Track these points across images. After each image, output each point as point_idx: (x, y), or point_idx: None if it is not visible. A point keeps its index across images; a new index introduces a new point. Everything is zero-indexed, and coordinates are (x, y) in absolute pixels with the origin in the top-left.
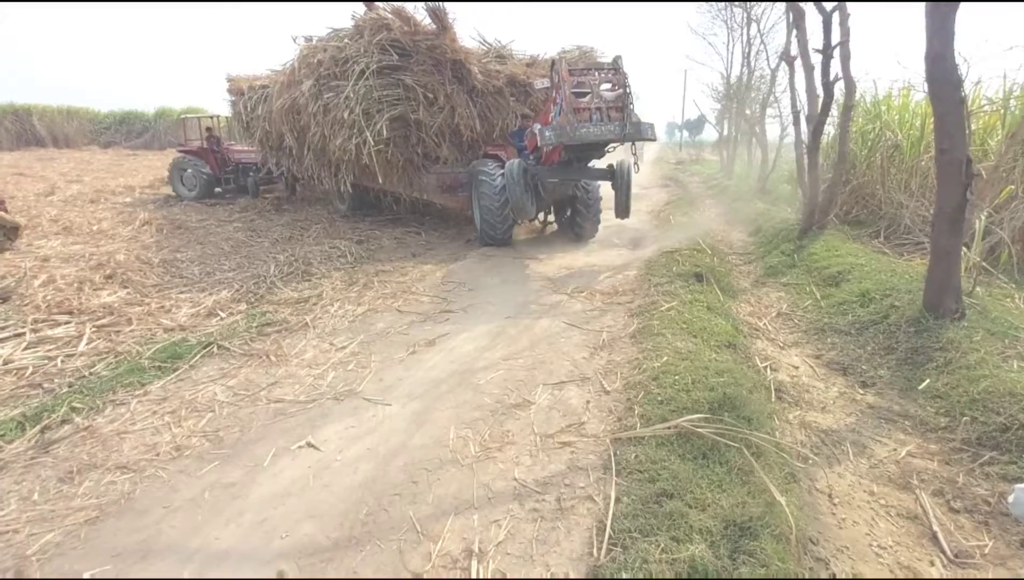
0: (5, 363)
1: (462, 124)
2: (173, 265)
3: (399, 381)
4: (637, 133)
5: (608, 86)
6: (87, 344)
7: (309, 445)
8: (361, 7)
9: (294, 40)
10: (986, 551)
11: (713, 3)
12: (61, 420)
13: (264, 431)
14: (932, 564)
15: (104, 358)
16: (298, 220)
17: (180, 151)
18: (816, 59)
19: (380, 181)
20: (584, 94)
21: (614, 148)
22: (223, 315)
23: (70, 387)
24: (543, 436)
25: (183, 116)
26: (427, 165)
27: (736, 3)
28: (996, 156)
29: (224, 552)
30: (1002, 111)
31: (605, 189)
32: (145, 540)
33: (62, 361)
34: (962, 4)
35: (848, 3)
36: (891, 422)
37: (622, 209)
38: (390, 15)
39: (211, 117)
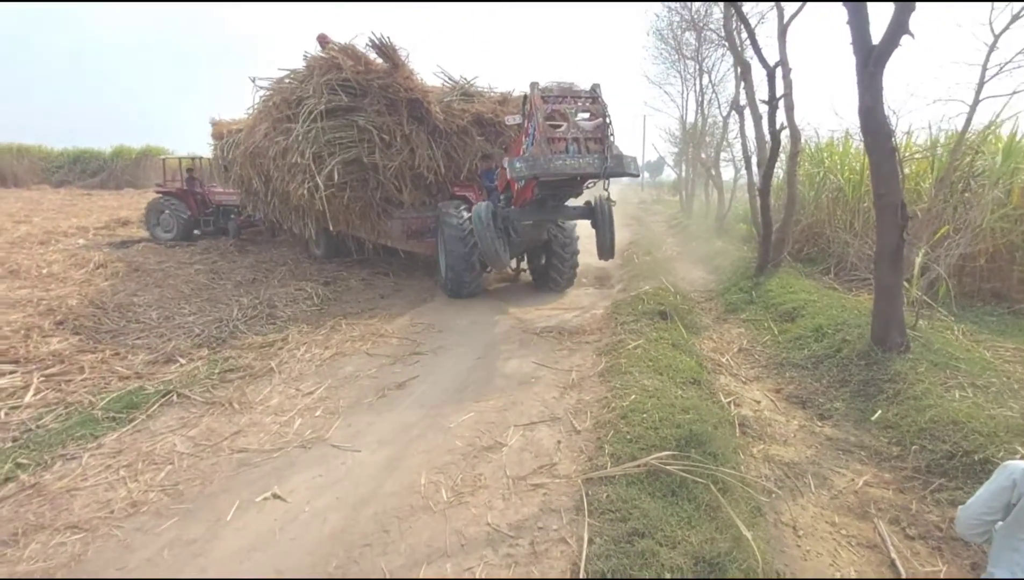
0: None
1: (423, 166)
2: (129, 309)
3: (369, 426)
4: (619, 167)
5: (586, 116)
6: (34, 395)
7: (275, 496)
8: (313, 47)
9: (253, 82)
10: (941, 576)
11: (666, 56)
12: (4, 478)
13: (227, 483)
14: None
15: (53, 409)
16: (263, 262)
17: (158, 191)
18: (763, 109)
19: (332, 228)
20: (559, 125)
21: (592, 184)
22: (183, 361)
23: (15, 442)
24: (515, 479)
25: (163, 157)
26: (390, 210)
27: (688, 57)
28: (929, 199)
29: None
30: (931, 157)
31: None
32: None
33: (6, 413)
34: (890, 60)
35: (789, 60)
36: (848, 453)
37: (606, 250)
38: (339, 55)
39: (192, 158)
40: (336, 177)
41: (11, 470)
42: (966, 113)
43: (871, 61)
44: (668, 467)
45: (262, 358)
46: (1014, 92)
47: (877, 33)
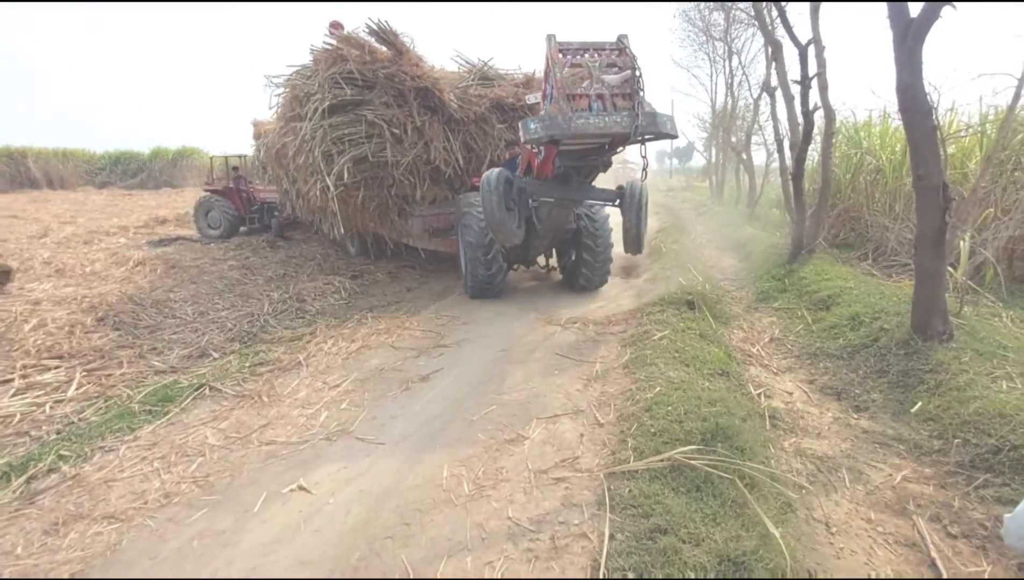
0: None
1: (439, 159)
2: (166, 305)
3: (392, 419)
4: (653, 126)
5: (612, 70)
6: (77, 389)
7: (300, 488)
8: (320, 41)
9: (269, 81)
10: (985, 576)
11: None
12: (48, 469)
13: (255, 475)
14: None
15: (94, 403)
16: (292, 257)
17: (207, 189)
18: (795, 89)
19: (344, 229)
20: (580, 80)
21: (621, 152)
22: (215, 355)
23: (58, 434)
24: (537, 472)
25: (212, 157)
26: (409, 208)
27: (717, 39)
28: (975, 179)
29: None
30: (979, 135)
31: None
32: None
33: (50, 407)
34: (930, 34)
35: (823, 37)
36: (886, 446)
37: (632, 241)
38: (344, 45)
39: (239, 157)
40: (346, 176)
41: (54, 462)
42: (1014, 87)
43: (909, 35)
44: (693, 462)
45: (291, 352)
46: None
47: (916, 6)
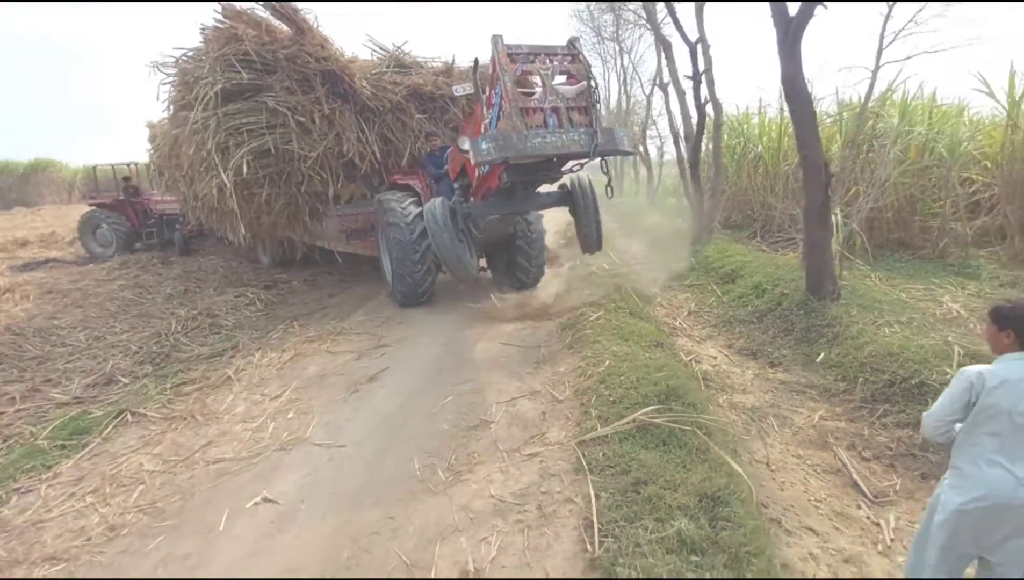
0: None
1: (353, 152)
2: (51, 333)
3: (348, 422)
4: (611, 144)
5: (563, 79)
6: None
7: (266, 500)
8: (211, 18)
9: (154, 67)
10: (897, 488)
11: (586, 40)
12: None
13: (210, 495)
14: (859, 507)
15: None
16: (191, 272)
17: (92, 204)
18: (687, 84)
19: (245, 232)
20: (531, 92)
21: (578, 166)
22: (125, 381)
23: None
24: (509, 451)
25: (95, 167)
26: (322, 207)
27: (608, 39)
28: (839, 160)
29: None
30: (839, 122)
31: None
32: None
33: None
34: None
35: (708, 36)
36: (801, 393)
37: (592, 241)
38: (237, 22)
39: (128, 165)
40: (246, 170)
41: None
42: (869, 79)
43: (790, 32)
44: (655, 420)
45: (215, 368)
46: (907, 57)
47: (795, 6)
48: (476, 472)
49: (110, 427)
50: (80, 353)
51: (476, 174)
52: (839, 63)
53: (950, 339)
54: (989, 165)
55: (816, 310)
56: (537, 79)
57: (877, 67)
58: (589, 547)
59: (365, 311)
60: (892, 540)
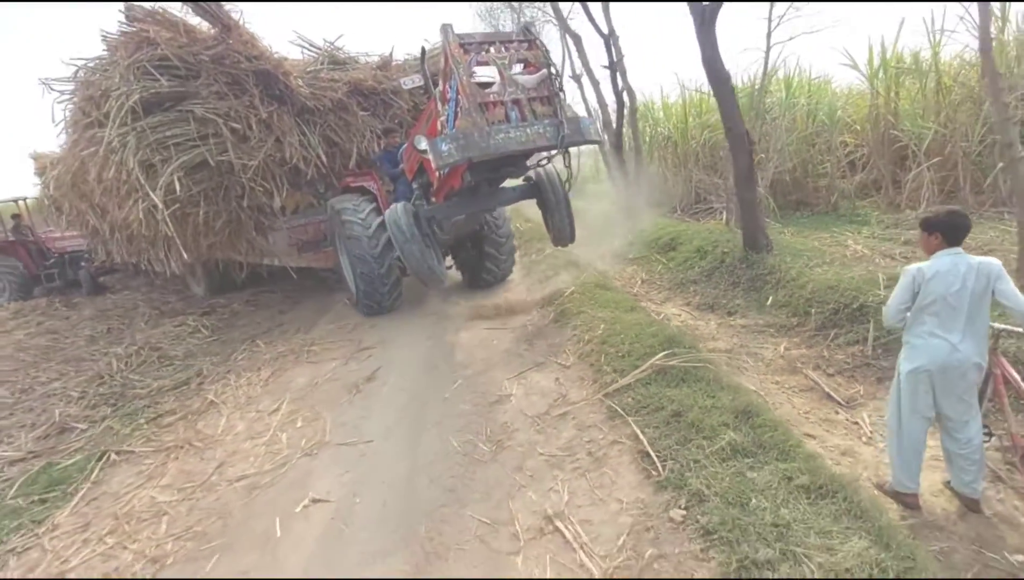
0: None
1: (296, 157)
2: None
3: (363, 420)
4: (578, 134)
5: (520, 68)
6: None
7: (314, 501)
8: (114, 27)
9: (45, 85)
10: (861, 393)
11: None
12: None
13: (248, 510)
14: (837, 413)
15: None
16: (107, 311)
17: None
18: (601, 75)
19: (185, 256)
20: (488, 84)
21: (545, 159)
22: (82, 427)
23: None
24: (538, 416)
25: None
26: (267, 220)
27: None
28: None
29: None
30: (744, 97)
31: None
32: None
33: None
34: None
35: (617, 28)
36: (761, 333)
37: (566, 233)
38: (148, 25)
39: (16, 201)
40: (179, 189)
41: None
42: (763, 58)
43: (705, 20)
44: (671, 363)
45: (187, 397)
46: (790, 38)
47: None
48: (515, 438)
49: (96, 470)
50: (10, 408)
51: (437, 175)
52: (740, 45)
53: (871, 269)
54: (859, 128)
55: (756, 262)
56: (494, 70)
57: (768, 47)
58: (654, 471)
59: (328, 321)
60: (872, 432)
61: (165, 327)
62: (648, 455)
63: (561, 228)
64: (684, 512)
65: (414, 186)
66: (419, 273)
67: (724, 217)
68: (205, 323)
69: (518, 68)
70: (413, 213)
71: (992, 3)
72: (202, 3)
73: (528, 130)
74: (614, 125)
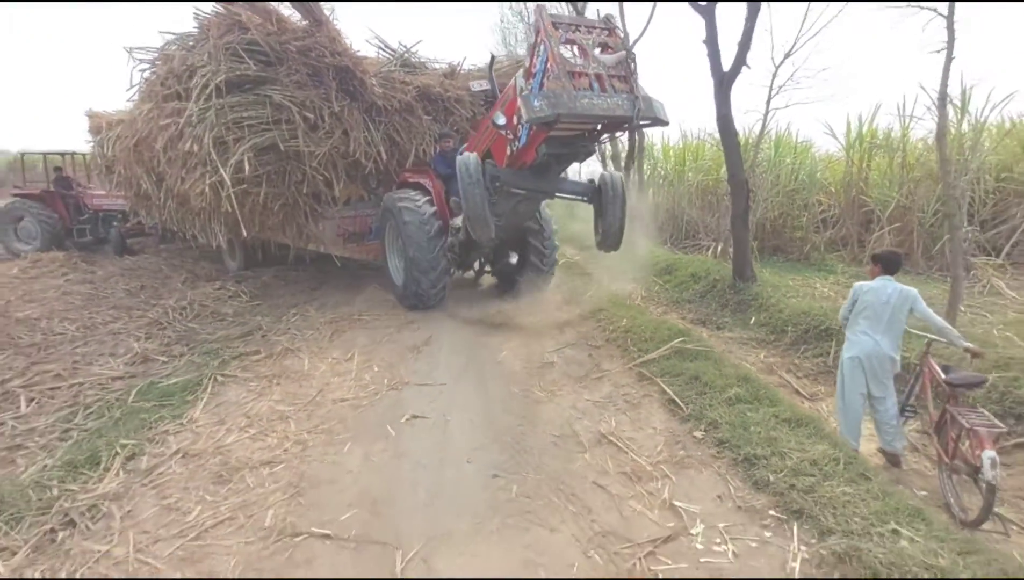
0: None
1: (359, 151)
2: (25, 323)
3: (432, 370)
4: (650, 110)
5: (599, 51)
6: (27, 404)
7: (414, 416)
8: (208, 4)
9: (129, 53)
10: (822, 392)
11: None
12: (127, 456)
13: (360, 419)
14: (803, 402)
15: (73, 413)
16: (131, 270)
17: (15, 194)
18: None
19: (246, 233)
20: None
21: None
22: (164, 360)
23: (71, 441)
24: (578, 379)
25: (22, 153)
26: (319, 208)
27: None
28: None
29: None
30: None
31: None
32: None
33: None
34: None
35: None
36: (746, 344)
37: (612, 237)
38: (243, 10)
39: (62, 155)
40: (247, 168)
41: (132, 449)
42: (761, 119)
43: (724, 82)
44: (687, 346)
45: (259, 345)
46: (787, 105)
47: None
48: (562, 391)
49: (209, 387)
50: (82, 339)
51: (507, 153)
52: (744, 107)
53: (830, 296)
54: (833, 190)
55: (742, 290)
56: (578, 48)
57: (767, 110)
58: (679, 411)
59: (365, 298)
60: (827, 416)
61: (204, 289)
62: (674, 402)
63: (608, 232)
64: (703, 432)
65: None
66: (475, 216)
67: (711, 252)
68: (243, 289)
69: (598, 51)
70: (481, 166)
71: (951, 97)
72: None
73: (609, 100)
74: (622, 159)
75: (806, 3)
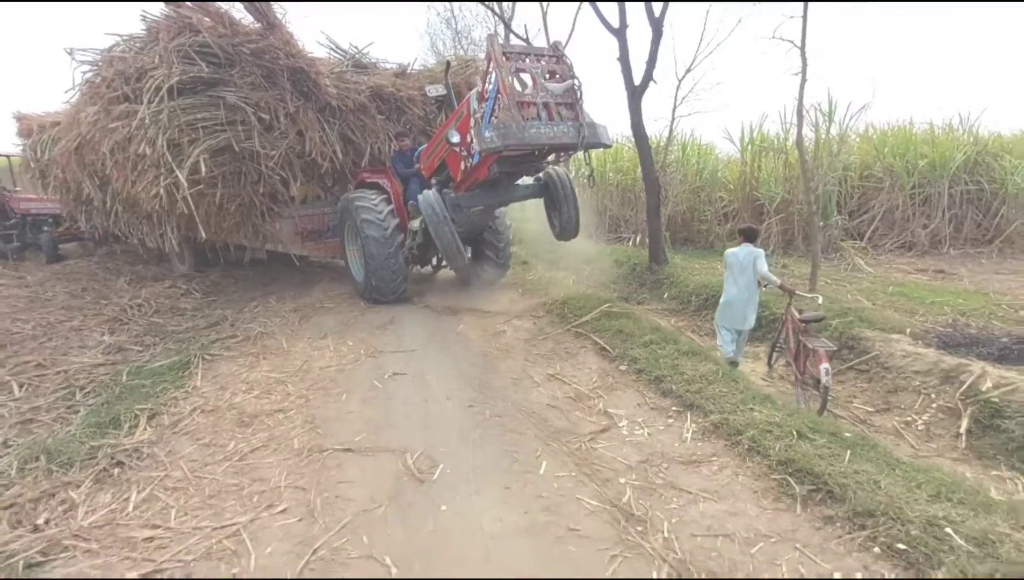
0: None
1: (316, 151)
2: None
3: (400, 340)
4: (595, 137)
5: (548, 77)
6: (20, 390)
7: (395, 374)
8: (155, 6)
9: (69, 54)
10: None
11: None
12: (149, 415)
13: (349, 378)
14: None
15: (70, 394)
16: (64, 274)
17: None
18: None
19: (204, 235)
20: (522, 88)
21: (564, 158)
22: (137, 349)
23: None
24: (526, 341)
25: None
26: (276, 208)
27: None
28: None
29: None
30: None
31: None
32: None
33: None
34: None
35: None
36: (661, 314)
37: (571, 228)
38: (193, 13)
39: None
40: (203, 170)
41: (150, 410)
42: (668, 126)
43: (636, 93)
44: (613, 310)
45: (228, 333)
46: (689, 113)
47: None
48: (514, 350)
49: (200, 364)
50: (44, 337)
51: (461, 168)
52: (655, 115)
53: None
54: (732, 188)
55: (657, 271)
56: (528, 76)
57: (673, 118)
58: (607, 355)
59: (320, 292)
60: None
61: (154, 288)
62: (604, 349)
63: (568, 223)
64: (626, 366)
65: (432, 182)
66: (448, 252)
67: (631, 242)
68: (195, 287)
69: (547, 77)
70: (442, 199)
71: (814, 107)
72: (254, 1)
73: (555, 128)
74: None
75: (702, 28)
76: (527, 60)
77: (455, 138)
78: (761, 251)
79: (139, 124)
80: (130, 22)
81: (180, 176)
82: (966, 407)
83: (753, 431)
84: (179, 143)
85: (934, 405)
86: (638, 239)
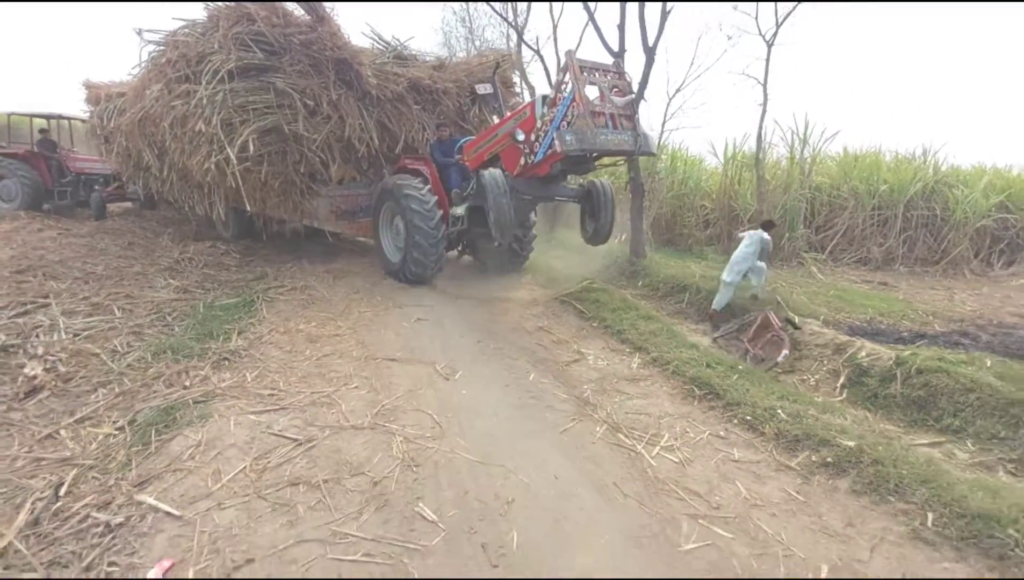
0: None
1: (354, 136)
2: (61, 263)
3: (420, 299)
4: (647, 146)
5: (612, 90)
6: (120, 313)
7: (419, 319)
8: None
9: (139, 35)
10: (684, 321)
11: None
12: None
13: (382, 321)
14: (702, 337)
15: (160, 318)
16: (109, 231)
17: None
18: None
19: (248, 208)
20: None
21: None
22: (200, 292)
23: (200, 325)
24: (521, 305)
25: (9, 114)
26: (314, 187)
27: None
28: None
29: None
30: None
31: None
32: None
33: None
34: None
35: None
36: (634, 298)
37: (603, 234)
38: (251, 6)
39: (47, 117)
40: (252, 148)
41: (237, 329)
42: (659, 136)
43: None
44: (594, 285)
45: (270, 285)
46: (677, 128)
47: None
48: (510, 311)
49: (263, 303)
50: (117, 277)
51: (521, 162)
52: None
53: (695, 272)
54: (713, 197)
55: (637, 263)
56: (597, 89)
57: (663, 129)
58: (584, 318)
59: (345, 260)
60: (671, 323)
61: (197, 247)
62: (582, 312)
63: (602, 228)
64: (597, 323)
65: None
66: (504, 224)
67: (618, 240)
68: (232, 249)
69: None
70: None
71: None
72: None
73: (619, 136)
74: None
75: (692, 54)
76: (596, 75)
77: (521, 136)
78: (769, 239)
79: (197, 103)
80: (192, 8)
81: (231, 153)
82: (844, 369)
83: (677, 362)
84: (231, 123)
85: (824, 368)
86: (624, 237)
